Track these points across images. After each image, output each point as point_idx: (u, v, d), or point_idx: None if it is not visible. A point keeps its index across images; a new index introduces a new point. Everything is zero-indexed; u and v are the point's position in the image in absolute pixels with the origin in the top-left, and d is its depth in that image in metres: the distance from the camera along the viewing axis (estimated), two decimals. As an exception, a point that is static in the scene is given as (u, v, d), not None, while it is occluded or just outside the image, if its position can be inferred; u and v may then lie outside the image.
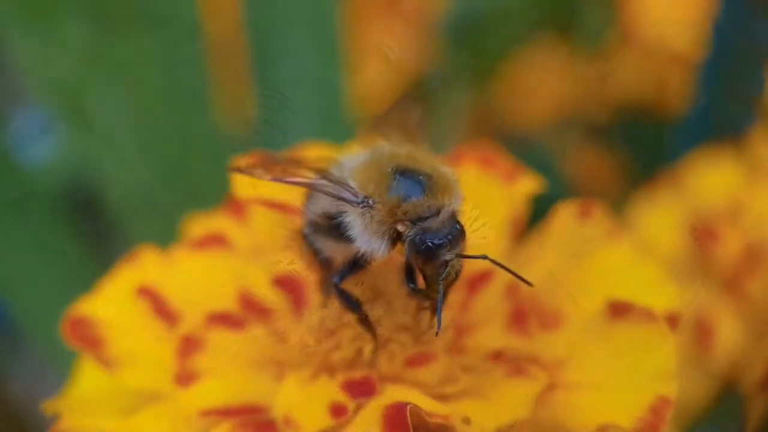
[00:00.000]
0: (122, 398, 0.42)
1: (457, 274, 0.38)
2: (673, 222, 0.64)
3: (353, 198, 0.39)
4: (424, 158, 0.40)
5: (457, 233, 0.38)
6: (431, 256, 0.38)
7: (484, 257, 0.38)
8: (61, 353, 0.47)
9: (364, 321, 0.40)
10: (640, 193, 0.66)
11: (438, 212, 0.38)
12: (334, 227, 0.40)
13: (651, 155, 0.78)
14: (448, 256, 0.37)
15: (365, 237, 0.39)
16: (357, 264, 0.40)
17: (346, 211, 0.40)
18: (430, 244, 0.37)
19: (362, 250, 0.40)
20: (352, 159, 0.41)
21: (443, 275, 0.38)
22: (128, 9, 0.68)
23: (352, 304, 0.40)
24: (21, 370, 0.96)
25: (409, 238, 0.38)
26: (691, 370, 0.59)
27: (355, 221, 0.40)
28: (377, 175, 0.40)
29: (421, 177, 0.39)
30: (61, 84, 0.68)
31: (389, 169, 0.40)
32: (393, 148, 0.41)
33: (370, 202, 0.39)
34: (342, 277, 0.40)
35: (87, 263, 0.71)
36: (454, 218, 0.38)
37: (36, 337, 0.72)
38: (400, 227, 0.38)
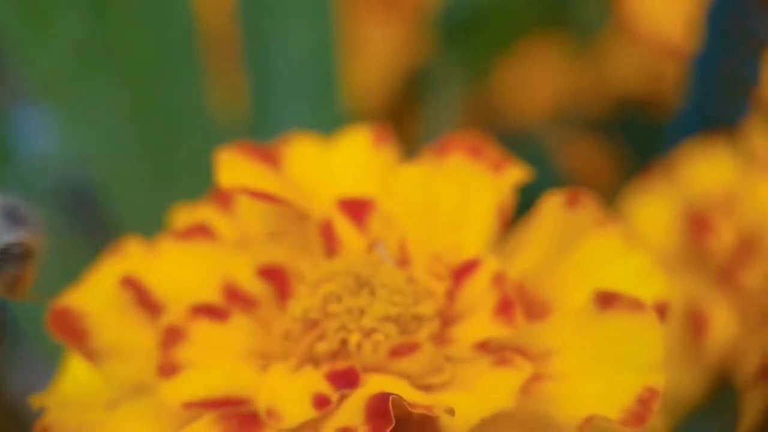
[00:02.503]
0: (107, 391, 0.42)
1: None
2: (668, 213, 0.64)
3: None
4: None
5: None
6: None
7: None
8: (59, 351, 0.47)
9: None
10: (634, 184, 0.65)
11: None
12: None
13: (647, 148, 0.77)
14: None
15: None
16: None
17: None
18: None
19: None
20: None
21: None
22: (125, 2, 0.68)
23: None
24: (20, 370, 0.96)
25: None
26: (685, 362, 0.59)
27: None
28: None
29: None
30: (56, 77, 0.68)
31: None
32: None
33: None
34: None
35: (85, 260, 0.70)
36: None
37: (34, 335, 0.71)
38: None
